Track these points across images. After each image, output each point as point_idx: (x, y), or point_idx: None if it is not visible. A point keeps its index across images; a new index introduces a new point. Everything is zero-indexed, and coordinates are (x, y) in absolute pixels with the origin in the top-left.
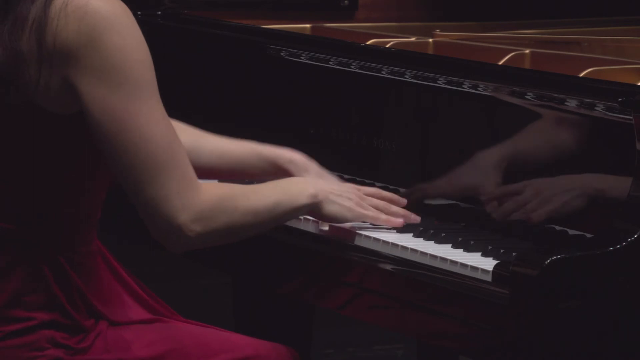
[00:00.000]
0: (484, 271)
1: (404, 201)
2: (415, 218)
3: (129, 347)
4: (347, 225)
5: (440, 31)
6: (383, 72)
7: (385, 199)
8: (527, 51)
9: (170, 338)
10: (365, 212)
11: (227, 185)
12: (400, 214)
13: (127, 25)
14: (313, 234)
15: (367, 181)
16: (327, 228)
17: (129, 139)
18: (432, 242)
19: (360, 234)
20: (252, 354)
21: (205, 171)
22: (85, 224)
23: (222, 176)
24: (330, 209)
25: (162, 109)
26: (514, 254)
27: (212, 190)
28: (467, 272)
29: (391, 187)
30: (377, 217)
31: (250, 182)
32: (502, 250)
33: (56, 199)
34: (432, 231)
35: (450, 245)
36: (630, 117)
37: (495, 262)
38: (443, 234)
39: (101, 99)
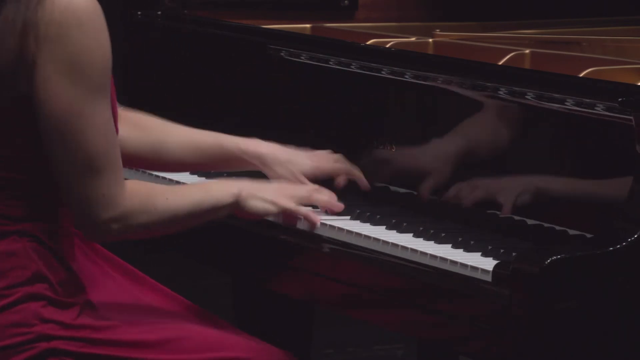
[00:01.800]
0: (484, 271)
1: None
2: (339, 206)
3: (116, 328)
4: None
5: (440, 31)
6: (383, 72)
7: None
8: (527, 51)
9: (161, 327)
10: (287, 204)
11: (151, 185)
12: (325, 200)
13: (99, 27)
14: (311, 233)
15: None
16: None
17: (74, 137)
18: (432, 242)
19: (360, 234)
20: (242, 356)
21: (173, 165)
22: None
23: (190, 168)
24: (252, 204)
25: (110, 113)
26: (514, 254)
27: (135, 191)
28: (467, 272)
29: (391, 187)
30: (297, 209)
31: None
32: (502, 250)
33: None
34: (432, 231)
35: (450, 245)
36: (630, 117)
37: (495, 262)
38: (443, 234)
39: (60, 91)
